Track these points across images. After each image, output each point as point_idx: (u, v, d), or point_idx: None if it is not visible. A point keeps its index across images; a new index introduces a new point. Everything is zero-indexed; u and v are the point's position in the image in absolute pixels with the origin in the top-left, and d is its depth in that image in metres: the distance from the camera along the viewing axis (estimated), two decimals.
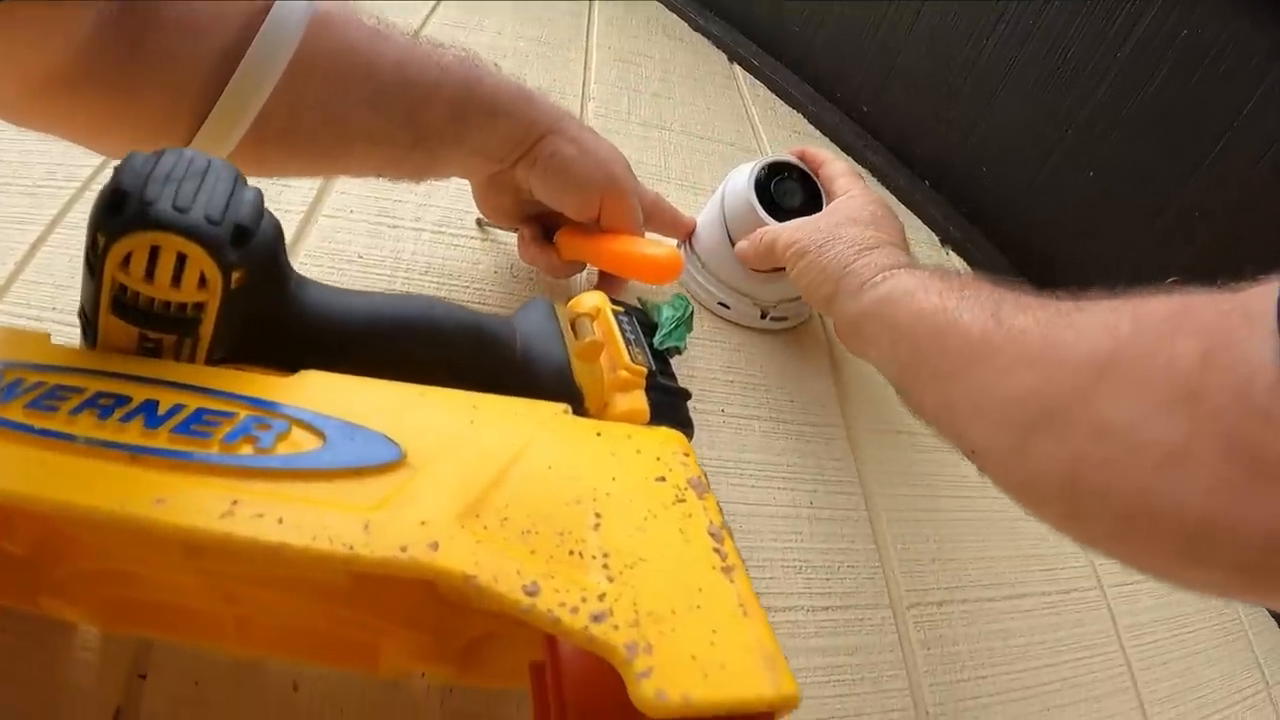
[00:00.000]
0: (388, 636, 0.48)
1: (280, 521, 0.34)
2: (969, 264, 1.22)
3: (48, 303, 0.66)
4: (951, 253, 1.23)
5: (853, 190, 0.82)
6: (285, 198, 0.81)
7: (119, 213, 0.38)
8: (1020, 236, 1.20)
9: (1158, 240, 1.02)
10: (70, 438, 0.36)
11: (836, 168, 0.86)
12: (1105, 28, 1.02)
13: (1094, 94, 1.06)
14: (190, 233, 0.39)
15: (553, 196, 0.74)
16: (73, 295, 0.64)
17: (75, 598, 0.45)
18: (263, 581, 0.44)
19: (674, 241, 0.89)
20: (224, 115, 0.54)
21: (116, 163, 0.66)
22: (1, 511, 0.40)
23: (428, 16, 1.22)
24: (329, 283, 0.66)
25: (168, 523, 0.33)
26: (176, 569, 0.43)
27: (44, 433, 0.36)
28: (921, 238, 1.24)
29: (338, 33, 0.58)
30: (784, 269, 0.80)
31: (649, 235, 0.80)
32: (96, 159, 0.78)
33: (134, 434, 0.37)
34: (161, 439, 0.37)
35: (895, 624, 0.71)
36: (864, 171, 1.29)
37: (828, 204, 0.84)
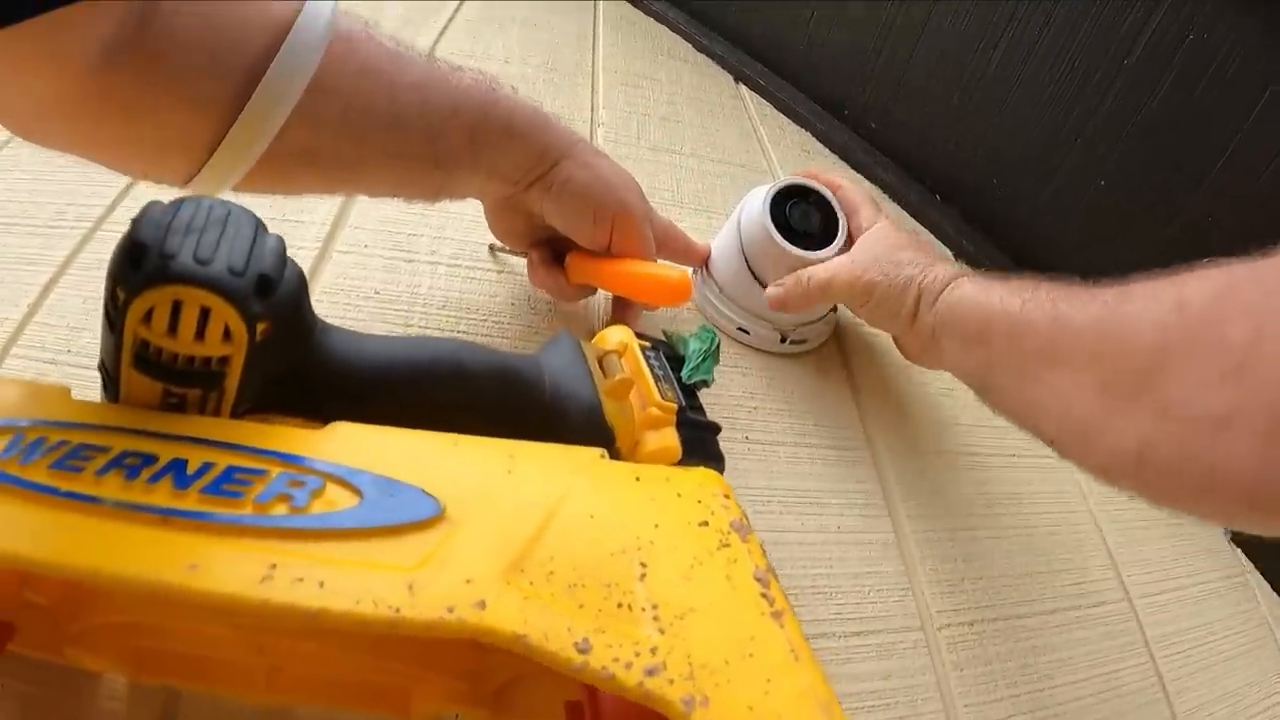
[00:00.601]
0: (421, 682, 0.47)
1: (321, 585, 0.33)
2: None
3: (62, 345, 0.65)
4: (965, 267, 1.21)
5: (877, 220, 0.84)
6: (299, 234, 0.81)
7: (139, 267, 0.38)
8: (1032, 248, 1.20)
9: (1168, 248, 1.02)
10: (97, 500, 0.35)
11: (856, 193, 0.87)
12: (1110, 37, 1.02)
13: (1102, 104, 1.05)
14: (213, 286, 0.38)
15: (565, 222, 0.74)
16: (87, 338, 0.65)
17: (101, 649, 0.45)
18: (295, 633, 0.44)
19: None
20: (243, 134, 0.53)
21: (129, 201, 0.65)
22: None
23: (434, 44, 1.22)
24: (346, 320, 0.66)
25: (203, 590, 0.32)
26: (208, 624, 0.43)
27: (70, 495, 0.35)
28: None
29: (359, 53, 0.58)
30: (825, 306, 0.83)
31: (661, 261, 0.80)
32: (107, 198, 0.78)
33: (163, 495, 0.36)
34: (192, 500, 0.36)
35: (927, 646, 0.71)
36: (876, 190, 1.30)
37: (846, 225, 0.85)
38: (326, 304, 0.74)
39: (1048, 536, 0.86)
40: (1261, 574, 1.00)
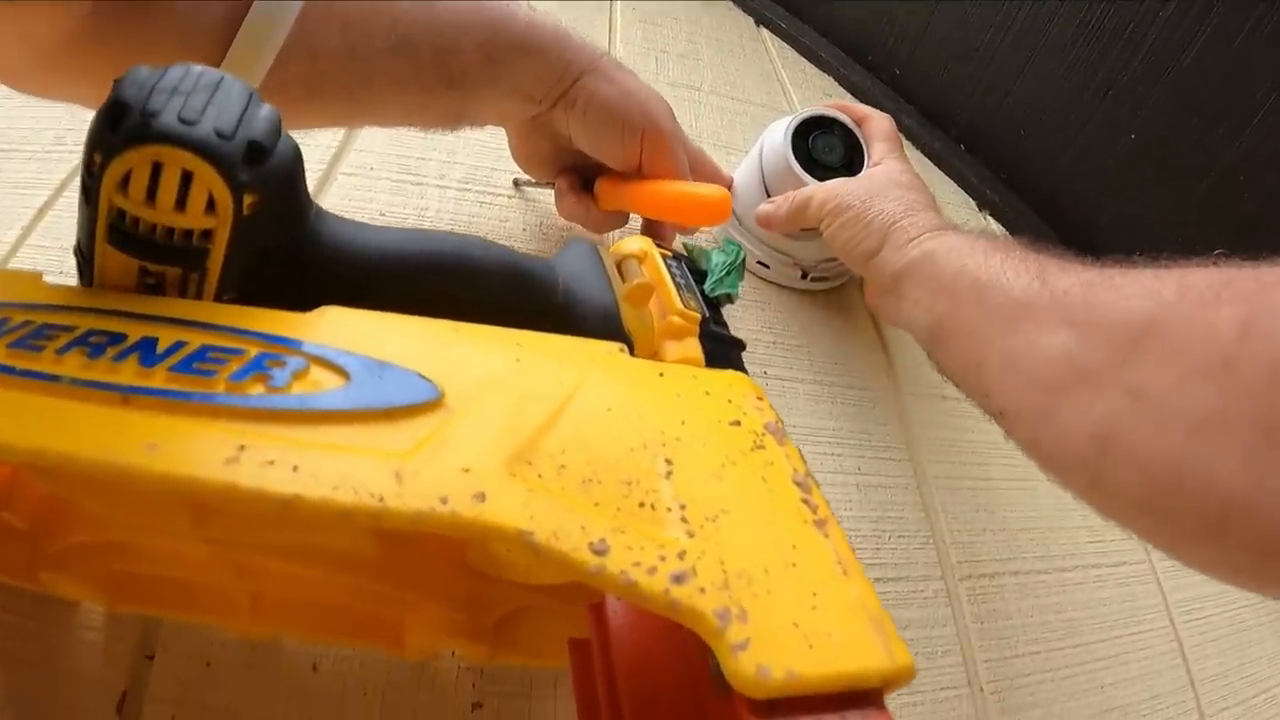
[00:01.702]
0: (414, 612, 0.45)
1: (295, 470, 0.28)
2: (1007, 229, 1.19)
3: (55, 266, 0.64)
4: (989, 217, 1.21)
5: (890, 158, 0.81)
6: (303, 154, 0.77)
7: (117, 126, 0.34)
8: (1059, 202, 1.18)
9: (1201, 205, 1.00)
10: (55, 379, 0.31)
11: (879, 128, 0.85)
12: None
13: (1135, 56, 1.03)
14: (197, 147, 0.34)
15: (593, 140, 0.71)
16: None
17: (77, 572, 0.43)
18: (277, 551, 0.41)
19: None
20: (237, 64, 0.51)
21: None
22: None
23: None
24: None
25: (161, 471, 0.28)
26: (182, 537, 0.39)
27: (26, 374, 0.31)
28: (959, 202, 1.22)
29: None
30: (814, 229, 0.79)
31: None
32: None
33: (127, 374, 0.32)
34: (158, 378, 0.32)
35: (948, 597, 0.69)
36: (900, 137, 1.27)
37: (869, 153, 0.83)
38: None
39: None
40: None
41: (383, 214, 0.76)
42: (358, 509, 0.28)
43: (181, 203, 0.35)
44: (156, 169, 0.34)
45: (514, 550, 0.29)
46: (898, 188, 0.75)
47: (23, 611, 0.47)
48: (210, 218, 0.36)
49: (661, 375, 0.40)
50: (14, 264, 0.64)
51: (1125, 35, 1.03)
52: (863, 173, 0.80)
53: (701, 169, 0.80)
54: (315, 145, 0.79)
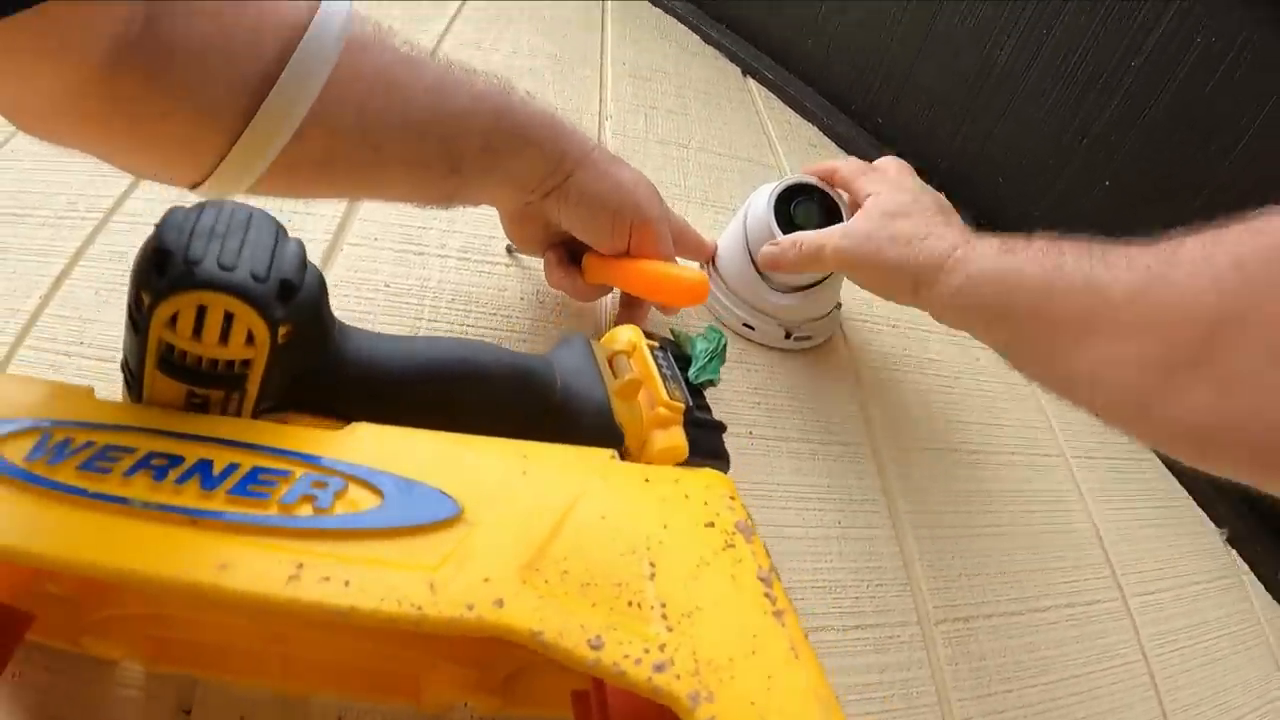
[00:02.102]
0: (432, 670, 0.49)
1: (347, 584, 0.34)
2: None
3: (75, 337, 0.66)
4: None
5: (873, 188, 0.81)
6: (310, 225, 0.82)
7: (164, 273, 0.39)
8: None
9: None
10: (127, 501, 0.36)
11: (849, 170, 0.86)
12: (1119, 38, 1.03)
13: (1109, 104, 1.06)
14: (237, 291, 0.39)
15: (583, 230, 0.74)
16: (98, 329, 0.66)
17: (119, 639, 0.46)
18: (311, 624, 0.44)
19: (696, 264, 0.90)
20: (254, 142, 0.52)
21: (140, 192, 0.66)
22: None
23: (443, 35, 1.23)
24: (358, 313, 0.68)
25: (234, 589, 0.34)
26: (227, 615, 0.44)
27: (99, 496, 0.36)
28: None
29: (372, 58, 0.57)
30: (808, 284, 0.85)
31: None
32: (118, 189, 0.79)
33: (191, 496, 0.37)
34: (219, 501, 0.37)
35: (924, 640, 0.72)
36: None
37: (848, 215, 0.85)
38: (338, 296, 0.74)
39: (1044, 535, 0.87)
40: (1256, 576, 1.00)
41: (387, 285, 0.79)
42: (401, 618, 0.34)
43: (224, 338, 0.41)
44: (201, 311, 0.40)
45: (527, 645, 0.35)
46: (896, 219, 0.76)
47: (63, 670, 0.48)
48: (250, 349, 0.41)
49: (647, 481, 0.46)
50: (33, 336, 0.65)
51: (1100, 84, 1.06)
52: (861, 211, 0.79)
53: (684, 241, 0.84)
54: (321, 215, 0.83)
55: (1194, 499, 1.04)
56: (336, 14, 0.54)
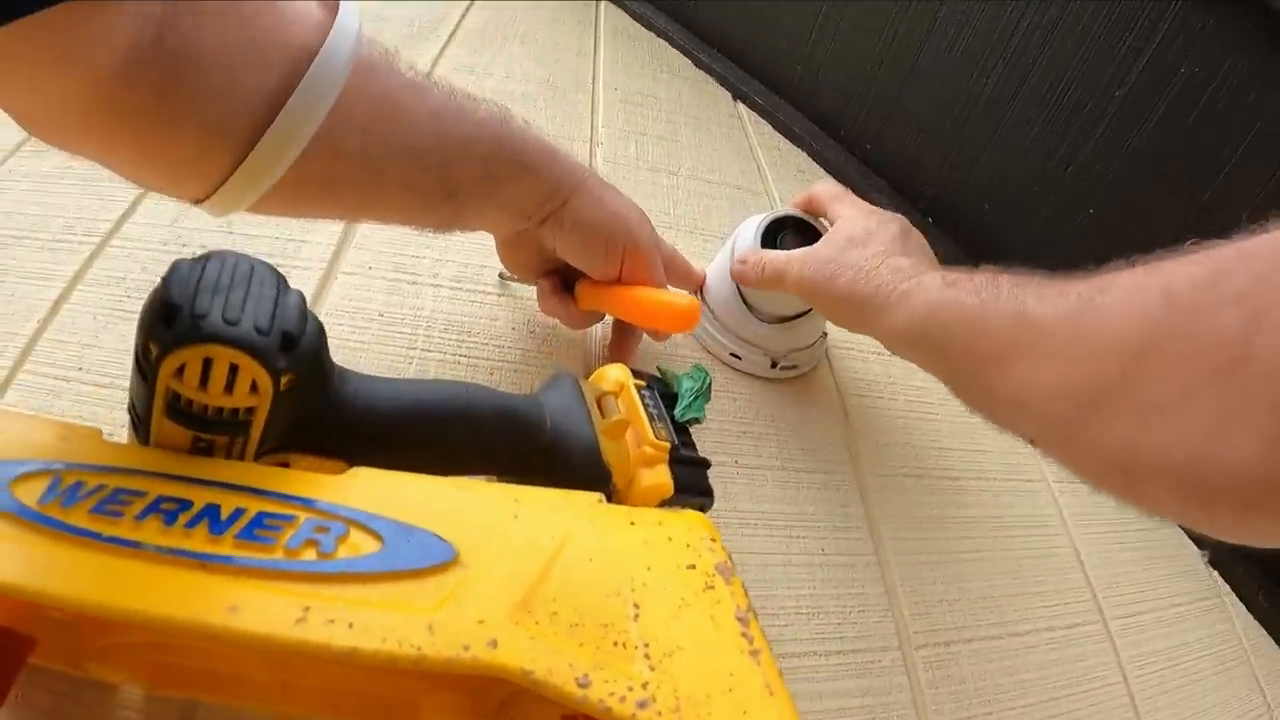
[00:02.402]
0: (427, 697, 0.50)
1: (350, 626, 0.37)
2: None
3: (73, 362, 0.67)
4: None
5: (843, 212, 0.83)
6: (304, 253, 0.83)
7: (171, 326, 0.40)
8: (1023, 272, 1.21)
9: None
10: (139, 545, 0.38)
11: (824, 193, 0.88)
12: (1103, 68, 1.04)
13: (1093, 133, 1.08)
14: (242, 345, 0.41)
15: (577, 256, 0.76)
16: (97, 354, 0.67)
17: (122, 664, 0.47)
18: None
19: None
20: (262, 160, 0.52)
21: (137, 215, 0.67)
22: None
23: (436, 58, 1.24)
24: (352, 341, 0.70)
25: (244, 631, 0.36)
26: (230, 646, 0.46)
27: (113, 540, 0.38)
28: None
29: (379, 82, 0.58)
30: (794, 314, 0.87)
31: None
32: (115, 213, 0.81)
33: (200, 541, 0.39)
34: (228, 545, 0.39)
35: (905, 665, 0.74)
36: None
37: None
38: (332, 326, 0.74)
39: (1025, 559, 0.89)
40: (1238, 596, 1.02)
41: (381, 314, 0.80)
42: (402, 658, 0.36)
43: (229, 388, 0.42)
44: (207, 363, 0.41)
45: (519, 683, 0.37)
46: (853, 247, 0.77)
47: (65, 693, 0.49)
48: (254, 397, 0.43)
49: (632, 524, 0.48)
50: (31, 361, 0.66)
51: (1084, 113, 1.08)
52: (825, 238, 0.82)
53: (674, 269, 0.86)
54: (315, 244, 0.84)
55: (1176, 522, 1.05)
56: (347, 37, 0.54)
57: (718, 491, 0.66)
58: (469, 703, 0.50)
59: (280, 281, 0.45)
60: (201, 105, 0.50)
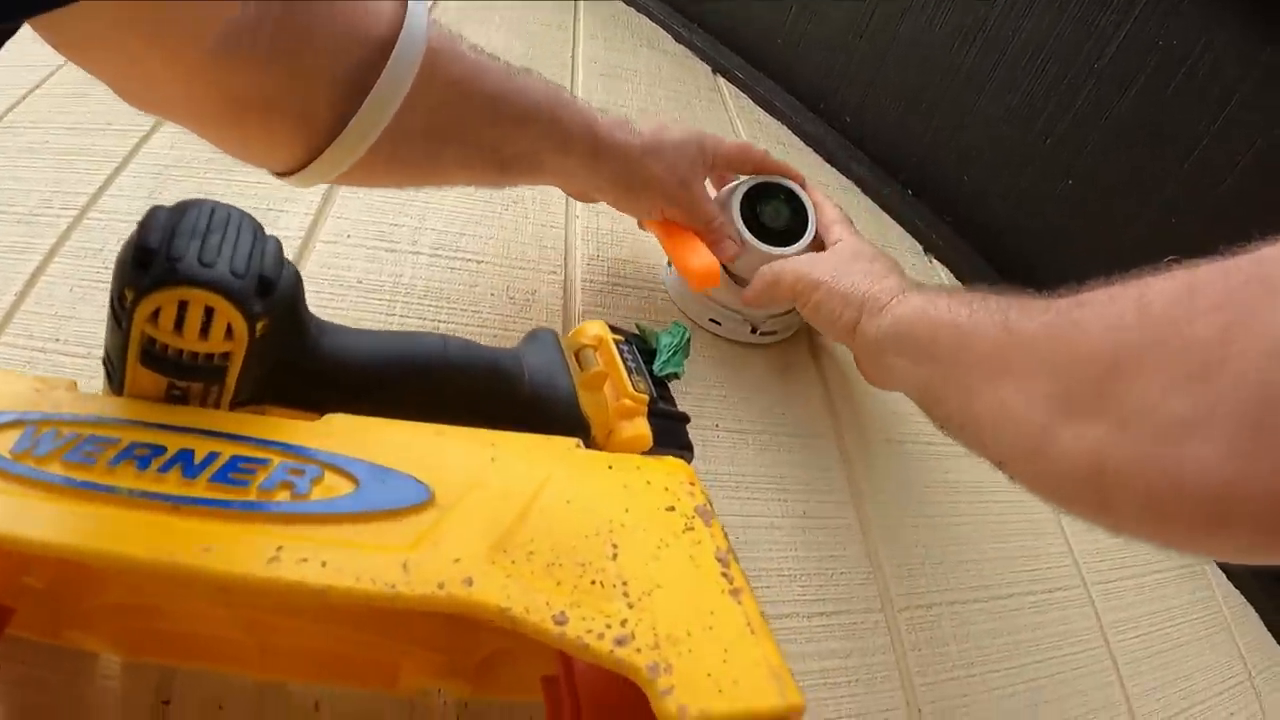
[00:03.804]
0: (406, 657, 0.50)
1: (324, 565, 0.36)
2: (953, 271, 1.24)
3: (50, 334, 0.67)
4: (935, 261, 1.25)
5: (845, 236, 0.85)
6: (283, 222, 0.83)
7: (147, 269, 0.40)
8: (1002, 243, 1.22)
9: (1134, 246, 1.05)
10: (113, 490, 0.37)
11: (832, 214, 0.89)
12: (1083, 40, 1.04)
13: (1072, 104, 1.08)
14: (217, 287, 0.40)
15: (620, 209, 0.87)
16: (74, 326, 0.66)
17: (99, 630, 0.47)
18: (287, 610, 0.47)
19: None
20: (348, 142, 0.57)
21: (114, 189, 0.67)
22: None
23: None
24: (331, 308, 0.69)
25: (217, 571, 0.35)
26: (207, 603, 0.46)
27: (86, 485, 0.37)
28: (906, 246, 1.26)
29: (443, 66, 0.60)
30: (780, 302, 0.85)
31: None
32: (93, 185, 0.81)
33: (173, 484, 0.38)
34: (201, 488, 0.39)
35: (887, 627, 0.74)
36: (850, 184, 1.33)
37: (815, 221, 0.88)
38: (311, 293, 0.73)
39: (1007, 524, 0.89)
40: (1218, 565, 1.03)
41: (360, 281, 0.80)
42: (376, 596, 0.36)
43: (205, 332, 0.42)
44: (183, 306, 0.41)
45: (495, 621, 0.36)
46: (861, 259, 0.79)
47: (43, 664, 0.49)
48: (229, 343, 0.43)
49: (610, 468, 0.48)
50: (9, 333, 0.66)
51: (1063, 85, 1.08)
52: (828, 250, 0.84)
53: (709, 234, 0.87)
54: (294, 213, 0.84)
55: None
56: (420, 21, 0.58)
57: (699, 454, 0.66)
58: (447, 662, 0.50)
59: (258, 228, 0.45)
60: (296, 87, 0.54)
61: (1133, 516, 0.46)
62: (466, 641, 0.50)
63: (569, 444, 0.49)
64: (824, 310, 0.78)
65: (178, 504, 0.37)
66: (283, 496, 0.39)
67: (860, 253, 0.81)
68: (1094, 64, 1.04)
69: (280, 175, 0.60)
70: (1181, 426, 0.42)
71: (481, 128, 0.66)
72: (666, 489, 0.47)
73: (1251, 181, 0.92)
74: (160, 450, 0.40)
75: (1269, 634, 0.99)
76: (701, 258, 0.82)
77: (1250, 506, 0.40)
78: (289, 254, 0.73)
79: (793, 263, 0.83)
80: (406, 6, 0.58)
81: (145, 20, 0.44)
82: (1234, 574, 1.01)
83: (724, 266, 0.87)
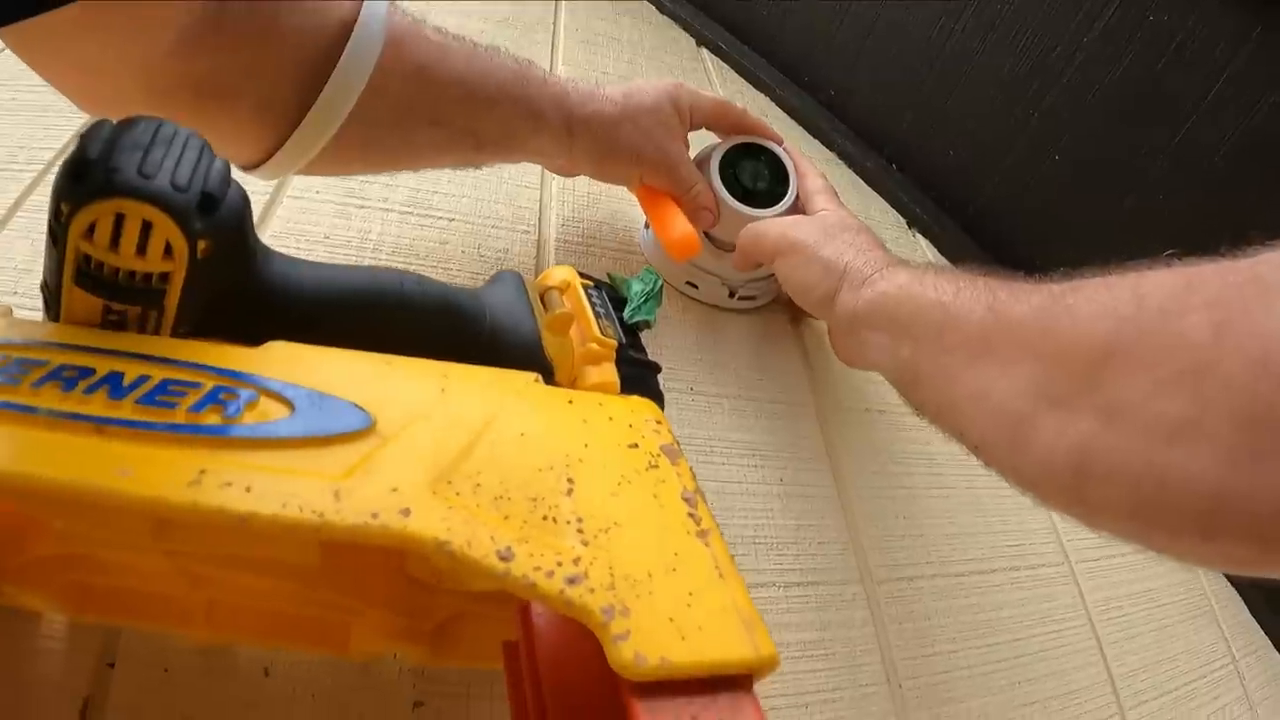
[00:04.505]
0: (359, 617, 0.48)
1: (248, 490, 0.33)
2: (936, 247, 1.23)
3: (9, 287, 0.65)
4: (919, 235, 1.24)
5: (832, 207, 0.83)
6: (250, 180, 0.79)
7: (83, 180, 0.37)
8: (986, 219, 1.21)
9: (1123, 224, 1.03)
10: (33, 410, 0.35)
11: (817, 184, 0.87)
12: (1072, 13, 1.03)
13: (1059, 79, 1.06)
14: (155, 200, 0.38)
15: (598, 179, 0.87)
16: (34, 279, 0.63)
17: (39, 585, 0.45)
18: (232, 563, 0.43)
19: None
20: (310, 131, 0.58)
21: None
22: None
23: None
24: None
25: (133, 493, 0.32)
26: (143, 550, 0.42)
27: (6, 405, 0.35)
28: (889, 220, 1.25)
29: (407, 53, 0.62)
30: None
31: None
32: (60, 141, 0.78)
33: (98, 405, 0.36)
34: (126, 410, 0.36)
35: (867, 599, 0.72)
36: (833, 157, 1.32)
37: (796, 183, 0.87)
38: (276, 248, 0.73)
39: (989, 497, 0.87)
40: None
41: (327, 236, 0.78)
42: (301, 524, 0.32)
43: (142, 249, 0.39)
44: (119, 219, 0.38)
45: (434, 557, 0.33)
46: (846, 230, 0.77)
47: None
48: (168, 262, 0.40)
49: (570, 403, 0.45)
50: None
51: (1051, 60, 1.06)
52: (813, 216, 0.82)
53: (688, 203, 0.85)
54: None
55: None
56: (378, 10, 0.59)
57: (673, 418, 0.64)
58: (404, 624, 0.48)
59: (205, 146, 0.42)
60: (255, 79, 0.55)
61: (1113, 515, 0.46)
62: (423, 603, 0.48)
63: (527, 378, 0.45)
64: (799, 275, 0.77)
65: (101, 425, 0.35)
66: (212, 419, 0.36)
67: (846, 224, 0.79)
68: (1083, 38, 1.03)
69: (248, 169, 0.61)
70: (1170, 427, 0.41)
71: (453, 110, 0.66)
72: (630, 425, 0.44)
73: (1240, 161, 0.91)
74: (89, 372, 0.37)
75: (1252, 617, 0.99)
76: (680, 227, 0.81)
77: (1239, 518, 0.39)
78: (255, 210, 0.72)
79: (777, 223, 0.81)
80: None
81: (102, 25, 0.45)
82: None
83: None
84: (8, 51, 0.86)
